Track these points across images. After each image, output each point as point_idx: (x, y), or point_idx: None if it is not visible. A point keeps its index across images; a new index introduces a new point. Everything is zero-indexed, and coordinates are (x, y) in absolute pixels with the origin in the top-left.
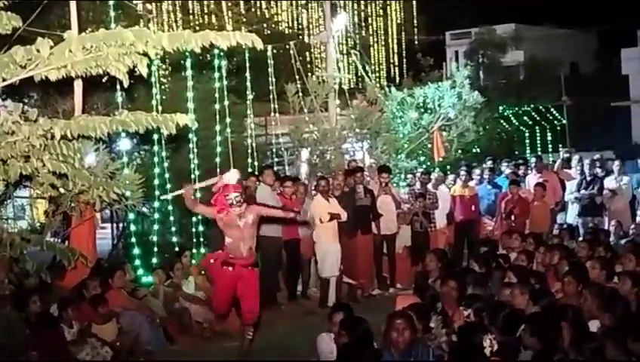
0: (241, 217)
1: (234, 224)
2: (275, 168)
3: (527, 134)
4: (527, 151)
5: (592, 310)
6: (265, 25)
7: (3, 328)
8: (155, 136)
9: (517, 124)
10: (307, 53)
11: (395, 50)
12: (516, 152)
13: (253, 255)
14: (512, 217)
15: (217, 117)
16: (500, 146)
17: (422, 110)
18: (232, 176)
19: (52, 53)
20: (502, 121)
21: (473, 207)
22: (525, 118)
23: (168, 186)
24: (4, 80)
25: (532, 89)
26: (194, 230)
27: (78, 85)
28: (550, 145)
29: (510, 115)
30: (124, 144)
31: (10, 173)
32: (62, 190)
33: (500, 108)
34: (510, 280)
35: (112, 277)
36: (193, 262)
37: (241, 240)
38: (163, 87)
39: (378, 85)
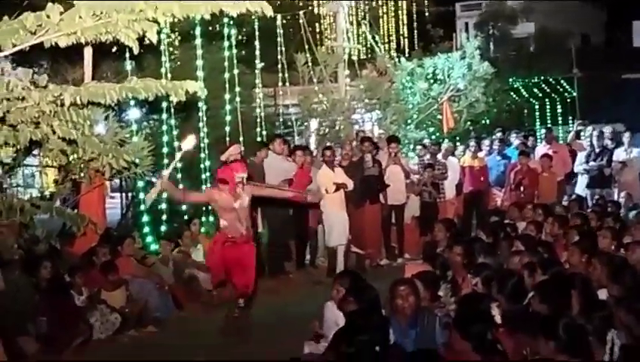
0: (236, 199)
1: (229, 206)
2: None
3: (536, 106)
4: (537, 124)
5: (601, 279)
6: None
7: (12, 293)
8: (165, 105)
9: (527, 95)
10: (317, 24)
11: (405, 21)
12: (526, 124)
13: (251, 232)
14: (521, 188)
15: (226, 86)
16: (510, 118)
17: (431, 81)
18: (188, 142)
19: (62, 20)
20: (512, 93)
21: (482, 178)
22: (535, 89)
23: (177, 154)
24: (14, 46)
25: (542, 61)
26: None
27: (87, 53)
28: (560, 118)
29: (520, 87)
30: (134, 113)
31: (19, 138)
32: (71, 157)
33: (510, 79)
34: (518, 248)
35: (121, 245)
36: (202, 230)
37: (237, 220)
38: (172, 56)
39: (388, 56)
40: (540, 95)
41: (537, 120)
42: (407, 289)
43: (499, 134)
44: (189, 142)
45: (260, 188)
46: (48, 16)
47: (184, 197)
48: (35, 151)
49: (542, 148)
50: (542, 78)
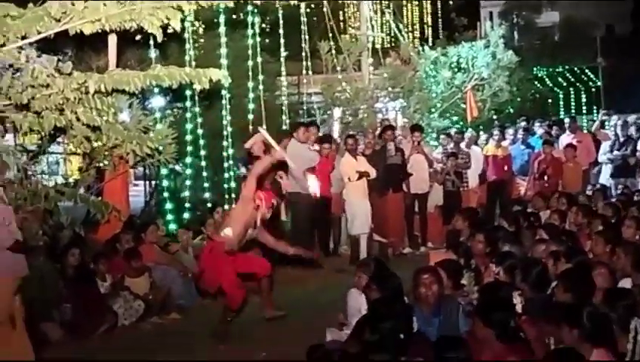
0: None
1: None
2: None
3: (561, 95)
4: (561, 113)
5: (625, 268)
6: None
7: (36, 279)
8: (188, 93)
9: (551, 85)
10: (341, 11)
11: (429, 10)
12: (550, 113)
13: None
14: (545, 177)
15: (250, 75)
16: (534, 107)
17: (455, 70)
18: (312, 182)
19: (86, 7)
20: (536, 82)
21: (506, 167)
22: (559, 79)
23: (201, 143)
24: (39, 33)
25: (567, 50)
26: (226, 186)
27: (112, 41)
28: (584, 107)
29: (544, 76)
30: (157, 100)
31: (44, 125)
32: (95, 144)
33: (534, 69)
34: (542, 237)
35: (144, 232)
36: None
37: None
38: (196, 44)
39: (411, 44)
40: (565, 84)
41: (562, 109)
42: (431, 278)
43: (523, 123)
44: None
45: (265, 236)
46: (73, 4)
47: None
48: (60, 139)
49: (566, 138)
50: (566, 67)
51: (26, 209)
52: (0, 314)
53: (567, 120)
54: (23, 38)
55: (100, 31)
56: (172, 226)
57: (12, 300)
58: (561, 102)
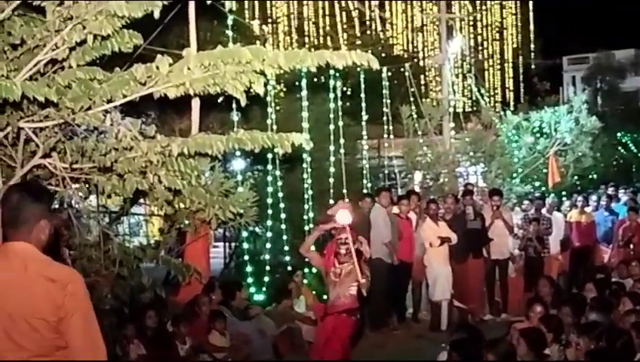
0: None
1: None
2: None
3: None
4: None
5: None
6: (380, 47)
7: None
8: (269, 156)
9: (635, 150)
10: (422, 76)
11: (511, 74)
12: (634, 180)
13: (355, 299)
14: (631, 245)
15: (331, 138)
16: (617, 173)
17: (538, 134)
18: (342, 216)
19: (171, 71)
20: (619, 148)
21: (590, 234)
22: None
23: (281, 206)
24: (124, 96)
25: None
26: None
27: (195, 104)
28: None
29: (628, 142)
30: (238, 163)
31: (127, 187)
32: (177, 206)
33: (618, 134)
34: (626, 307)
35: (231, 295)
36: (304, 281)
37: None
38: (278, 107)
39: (493, 109)
40: None
41: None
42: None
43: (610, 190)
44: (343, 217)
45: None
46: (158, 68)
47: (307, 251)
48: (142, 200)
49: None
50: None
51: (100, 273)
52: None
53: None
54: (109, 101)
55: (183, 94)
56: (252, 289)
57: None
58: None
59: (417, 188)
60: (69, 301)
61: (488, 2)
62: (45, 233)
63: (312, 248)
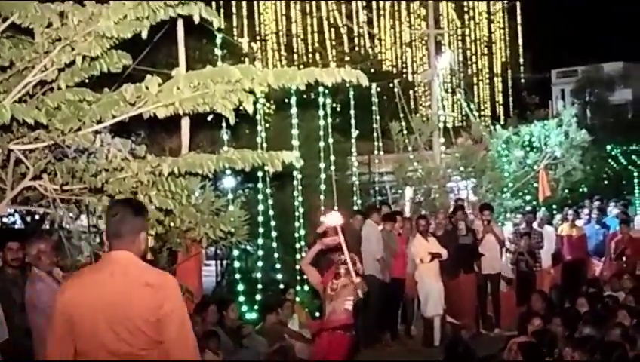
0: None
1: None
2: (379, 206)
3: (635, 174)
4: (636, 192)
5: None
6: (369, 63)
7: None
8: (259, 174)
9: (625, 163)
10: (411, 92)
11: (500, 89)
12: (624, 193)
13: (350, 316)
14: (623, 258)
15: (321, 155)
16: (608, 186)
17: (527, 149)
18: (332, 217)
19: (160, 91)
20: (610, 161)
21: (581, 247)
22: (634, 157)
23: (272, 224)
24: (114, 117)
25: None
26: (297, 267)
27: (185, 123)
28: None
29: (618, 155)
30: (229, 181)
31: None
32: (168, 226)
33: (608, 147)
34: (620, 320)
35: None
36: (297, 299)
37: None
38: (267, 124)
39: (483, 123)
40: (639, 162)
41: (637, 188)
42: None
43: (597, 203)
44: (333, 218)
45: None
46: (147, 88)
47: (306, 266)
48: None
49: None
50: None
51: None
52: None
53: None
54: (99, 122)
55: (172, 114)
56: (244, 308)
57: None
58: (636, 181)
59: (408, 204)
60: (165, 303)
61: (476, 17)
62: (144, 243)
63: None
